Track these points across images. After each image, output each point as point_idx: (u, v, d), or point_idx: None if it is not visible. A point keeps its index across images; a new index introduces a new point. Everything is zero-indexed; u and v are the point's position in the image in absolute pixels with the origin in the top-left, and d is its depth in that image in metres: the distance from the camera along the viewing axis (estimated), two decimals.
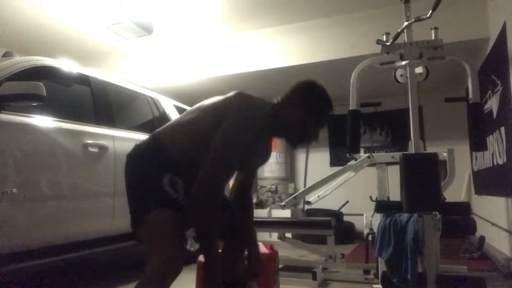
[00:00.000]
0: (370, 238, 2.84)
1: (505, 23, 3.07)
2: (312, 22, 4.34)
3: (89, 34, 4.58)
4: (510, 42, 2.99)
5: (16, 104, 2.11)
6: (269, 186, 5.92)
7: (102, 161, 2.68)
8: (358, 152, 2.94)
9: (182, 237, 1.52)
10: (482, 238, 3.73)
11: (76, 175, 2.50)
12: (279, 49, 4.46)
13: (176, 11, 4.09)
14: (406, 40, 2.69)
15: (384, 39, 2.75)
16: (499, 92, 3.28)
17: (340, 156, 5.89)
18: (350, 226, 5.23)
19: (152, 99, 3.51)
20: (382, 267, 2.37)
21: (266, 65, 4.52)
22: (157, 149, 1.50)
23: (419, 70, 2.84)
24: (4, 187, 2.03)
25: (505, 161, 3.15)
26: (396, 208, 2.36)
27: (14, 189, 2.07)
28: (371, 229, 2.90)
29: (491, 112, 3.54)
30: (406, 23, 2.68)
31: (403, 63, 2.67)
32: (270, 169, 6.01)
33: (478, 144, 2.50)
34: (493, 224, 3.49)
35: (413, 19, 2.64)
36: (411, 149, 2.61)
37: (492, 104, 3.50)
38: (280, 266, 2.81)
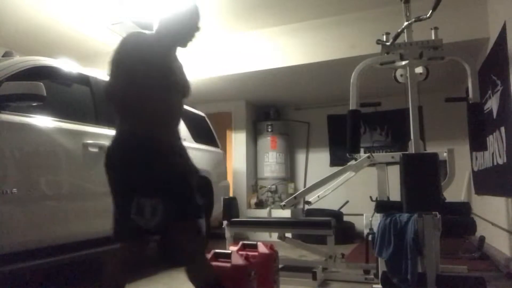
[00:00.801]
0: (370, 238, 2.84)
1: (505, 23, 3.07)
2: (312, 22, 4.33)
3: (89, 34, 4.58)
4: (510, 42, 2.99)
5: (16, 104, 2.12)
6: (269, 186, 5.92)
7: (102, 161, 2.68)
8: (358, 152, 2.94)
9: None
10: (482, 238, 3.74)
11: (76, 175, 2.50)
12: (279, 49, 4.46)
13: None
14: (406, 40, 2.69)
15: (384, 39, 2.75)
16: (499, 92, 3.28)
17: (340, 156, 5.89)
18: (350, 226, 5.22)
19: None
20: (382, 267, 2.38)
21: (266, 65, 4.51)
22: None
23: (419, 70, 2.84)
24: (4, 187, 2.03)
25: (505, 161, 3.15)
26: (396, 208, 2.36)
27: (14, 189, 2.07)
28: (371, 229, 2.90)
29: (491, 112, 3.54)
30: (406, 23, 2.69)
31: (403, 63, 2.67)
32: (270, 169, 6.01)
33: (478, 144, 2.50)
34: (493, 224, 3.49)
35: (413, 19, 2.64)
36: (411, 149, 2.61)
37: (492, 104, 3.50)
38: (280, 266, 2.81)
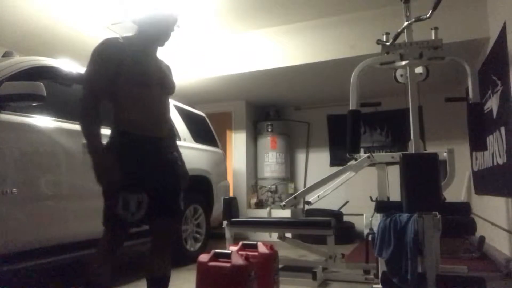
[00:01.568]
0: (370, 238, 2.84)
1: (505, 23, 3.07)
2: (312, 22, 4.34)
3: (89, 34, 4.58)
4: (510, 42, 2.99)
5: (16, 104, 2.11)
6: (269, 186, 5.92)
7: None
8: (358, 152, 2.94)
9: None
10: (482, 238, 3.74)
11: (76, 175, 2.50)
12: (279, 49, 4.46)
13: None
14: (406, 40, 2.69)
15: (384, 39, 2.75)
16: (499, 92, 3.28)
17: (340, 156, 5.89)
18: (350, 226, 5.23)
19: None
20: (382, 267, 2.38)
21: (266, 65, 4.52)
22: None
23: (419, 70, 2.84)
24: (4, 187, 2.03)
25: (505, 161, 3.15)
26: (396, 208, 2.36)
27: (14, 189, 2.07)
28: (371, 229, 2.90)
29: (491, 112, 3.54)
30: (406, 23, 2.69)
31: (403, 63, 2.67)
32: (270, 169, 6.02)
33: (478, 144, 2.50)
34: (493, 224, 3.49)
35: (413, 19, 2.64)
36: (411, 149, 2.61)
37: (492, 104, 3.50)
38: (280, 266, 2.81)
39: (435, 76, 3.23)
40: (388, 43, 2.70)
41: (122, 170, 1.54)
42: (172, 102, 3.86)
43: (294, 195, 3.56)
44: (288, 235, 3.70)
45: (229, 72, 4.71)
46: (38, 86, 2.06)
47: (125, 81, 1.59)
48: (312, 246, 3.43)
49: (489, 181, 3.81)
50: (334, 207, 5.19)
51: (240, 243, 2.49)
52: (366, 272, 3.02)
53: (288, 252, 4.01)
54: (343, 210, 5.24)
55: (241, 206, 4.95)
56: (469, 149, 4.62)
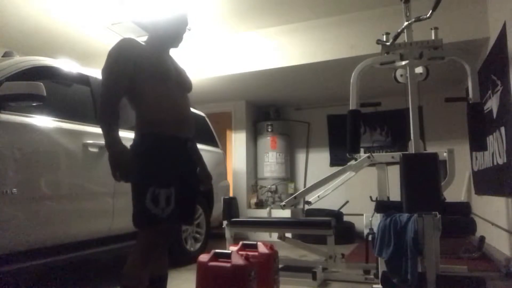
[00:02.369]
0: (370, 238, 2.84)
1: (505, 23, 3.08)
2: (312, 22, 4.34)
3: (89, 34, 4.58)
4: (510, 42, 2.99)
5: (16, 104, 2.11)
6: (269, 186, 5.92)
7: (102, 161, 2.68)
8: (358, 152, 2.94)
9: (158, 253, 1.64)
10: (482, 238, 3.74)
11: (76, 175, 2.50)
12: (279, 49, 4.46)
13: None
14: (406, 40, 2.69)
15: (384, 39, 2.76)
16: (499, 92, 3.28)
17: (340, 156, 5.89)
18: (350, 226, 5.22)
19: None
20: (382, 267, 2.38)
21: (266, 65, 4.52)
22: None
23: (419, 70, 2.85)
24: (4, 187, 2.03)
25: (505, 161, 3.15)
26: (396, 208, 2.36)
27: (14, 189, 2.07)
28: (371, 229, 2.90)
29: (491, 112, 3.54)
30: (406, 23, 2.69)
31: (403, 63, 2.67)
32: (270, 169, 6.02)
33: (478, 144, 2.50)
34: (493, 224, 3.49)
35: (413, 19, 2.65)
36: (411, 149, 2.61)
37: (492, 104, 3.50)
38: (280, 266, 2.81)
39: (435, 76, 3.23)
40: (388, 43, 2.70)
41: (155, 168, 1.54)
42: None
43: (294, 195, 3.56)
44: (288, 235, 3.70)
45: (229, 72, 4.71)
46: (38, 86, 2.06)
47: (144, 79, 1.59)
48: (312, 246, 3.43)
49: (489, 181, 3.81)
50: (334, 207, 5.18)
51: (240, 243, 2.49)
52: (366, 272, 3.02)
53: (288, 252, 4.01)
54: (343, 210, 5.23)
55: (241, 206, 4.95)
56: (469, 149, 4.62)
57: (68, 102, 2.69)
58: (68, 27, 4.40)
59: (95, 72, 2.96)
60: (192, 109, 4.56)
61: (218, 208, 4.09)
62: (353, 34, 4.12)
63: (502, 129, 3.20)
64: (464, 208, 2.47)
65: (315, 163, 6.29)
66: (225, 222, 3.39)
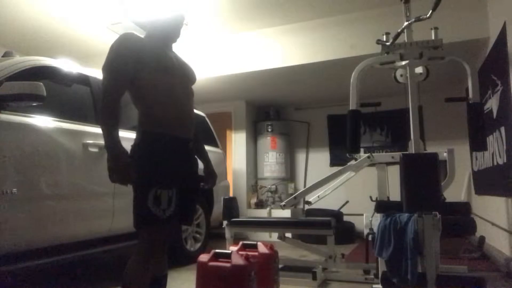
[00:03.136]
0: (370, 238, 2.84)
1: (505, 23, 3.07)
2: (312, 22, 4.34)
3: (89, 34, 4.58)
4: (510, 42, 2.99)
5: (16, 104, 2.11)
6: (269, 186, 5.92)
7: (102, 161, 2.67)
8: (358, 152, 2.94)
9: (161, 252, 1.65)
10: (482, 238, 3.74)
11: (76, 175, 2.50)
12: (279, 49, 4.46)
13: None
14: (406, 40, 2.69)
15: (384, 39, 2.76)
16: (499, 92, 3.28)
17: (340, 156, 5.89)
18: (350, 226, 5.23)
19: None
20: (382, 267, 2.38)
21: (266, 65, 4.52)
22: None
23: (419, 70, 2.84)
24: (4, 187, 2.03)
25: (505, 161, 3.15)
26: (396, 208, 2.36)
27: (14, 189, 2.07)
28: (371, 229, 2.90)
29: (491, 112, 3.54)
30: (406, 23, 2.69)
31: (403, 63, 2.67)
32: (270, 169, 6.02)
33: (478, 144, 2.50)
34: (493, 224, 3.49)
35: (413, 19, 2.64)
36: (411, 149, 2.61)
37: (492, 104, 3.50)
38: (280, 266, 2.81)
39: (435, 76, 3.23)
40: (388, 43, 2.70)
41: (157, 168, 1.53)
42: None
43: (294, 195, 3.56)
44: (288, 235, 3.70)
45: (229, 72, 4.71)
46: (38, 86, 2.06)
47: (147, 73, 1.57)
48: (312, 246, 3.43)
49: (489, 181, 3.81)
50: (334, 207, 5.18)
51: (240, 243, 2.49)
52: (366, 272, 3.02)
53: (288, 252, 4.01)
54: (343, 210, 5.23)
55: (241, 206, 4.95)
56: (469, 149, 4.62)
57: (68, 102, 2.69)
58: (68, 27, 4.40)
59: (95, 72, 2.96)
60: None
61: (218, 208, 4.09)
62: (353, 34, 4.12)
63: (502, 129, 3.20)
64: (464, 208, 2.46)
65: (315, 163, 6.28)
66: (225, 222, 3.39)
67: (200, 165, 1.89)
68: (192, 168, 1.75)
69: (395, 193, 2.80)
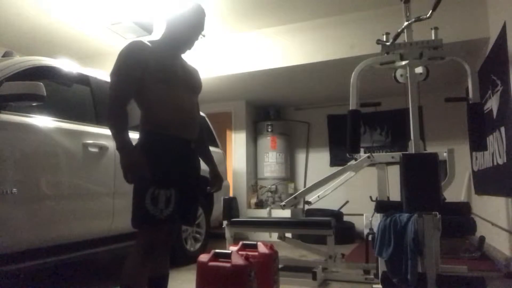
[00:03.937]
0: (370, 238, 2.84)
1: (505, 23, 3.07)
2: (312, 22, 4.34)
3: (89, 34, 4.58)
4: (510, 42, 2.99)
5: (16, 104, 2.11)
6: (269, 186, 5.92)
7: (102, 161, 2.68)
8: (358, 152, 2.94)
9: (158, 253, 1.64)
10: (482, 238, 3.74)
11: (76, 175, 2.50)
12: (279, 49, 4.47)
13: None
14: (406, 40, 2.69)
15: (384, 39, 2.75)
16: (499, 92, 3.28)
17: (340, 156, 5.89)
18: (350, 226, 5.23)
19: None
20: (382, 267, 2.38)
21: (266, 65, 4.52)
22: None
23: (419, 70, 2.84)
24: (4, 187, 2.03)
25: (505, 161, 3.15)
26: (396, 208, 2.36)
27: (14, 189, 2.07)
28: (371, 229, 2.90)
29: (491, 112, 3.54)
30: (406, 23, 2.69)
31: (403, 63, 2.67)
32: (270, 169, 6.01)
33: (478, 144, 2.50)
34: (493, 224, 3.49)
35: (413, 19, 2.64)
36: (411, 149, 2.61)
37: (492, 104, 3.50)
38: (280, 266, 2.81)
39: (435, 76, 3.23)
40: (388, 43, 2.70)
41: (156, 169, 1.53)
42: None
43: (294, 195, 3.56)
44: (288, 235, 3.70)
45: (229, 72, 4.71)
46: (38, 86, 2.06)
47: (151, 82, 1.59)
48: (312, 246, 3.43)
49: (489, 181, 3.81)
50: (334, 207, 5.18)
51: (240, 243, 2.49)
52: (366, 272, 3.02)
53: (288, 252, 4.01)
54: (343, 210, 5.23)
55: (241, 206, 4.95)
56: (469, 149, 4.62)
57: (68, 102, 2.69)
58: (68, 27, 4.40)
59: (95, 72, 2.96)
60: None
61: (218, 208, 4.09)
62: (353, 34, 4.12)
63: (502, 129, 3.20)
64: (464, 208, 2.46)
65: (315, 163, 6.28)
66: (225, 222, 3.39)
67: (206, 167, 1.89)
68: (193, 169, 1.75)
69: (395, 193, 2.80)
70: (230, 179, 5.57)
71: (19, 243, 2.14)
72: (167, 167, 1.56)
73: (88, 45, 4.88)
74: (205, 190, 1.89)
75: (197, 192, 1.76)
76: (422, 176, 2.37)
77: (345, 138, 2.68)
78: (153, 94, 1.60)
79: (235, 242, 2.67)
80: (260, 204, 5.82)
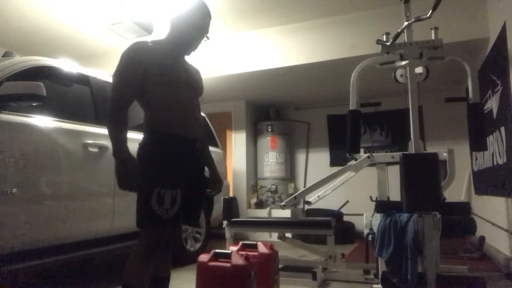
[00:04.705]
0: (370, 238, 2.84)
1: (505, 23, 3.07)
2: (312, 22, 4.34)
3: (89, 34, 4.58)
4: (510, 42, 2.99)
5: (16, 104, 2.11)
6: (269, 186, 5.92)
7: (102, 161, 2.68)
8: (358, 152, 2.94)
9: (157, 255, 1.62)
10: (482, 238, 3.74)
11: (76, 175, 2.50)
12: (279, 49, 4.46)
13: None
14: (406, 40, 2.69)
15: (384, 39, 2.75)
16: (499, 92, 3.28)
17: (340, 156, 5.89)
18: (350, 226, 5.23)
19: None
20: (382, 267, 2.38)
21: (266, 65, 4.52)
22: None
23: (419, 70, 2.84)
24: (4, 187, 2.03)
25: (505, 161, 3.15)
26: (396, 208, 2.36)
27: (14, 189, 2.07)
28: (371, 229, 2.90)
29: (491, 112, 3.54)
30: (406, 23, 2.69)
31: (403, 63, 2.67)
32: (270, 169, 6.01)
33: (478, 144, 2.50)
34: (493, 224, 3.49)
35: (413, 19, 2.64)
36: (411, 149, 2.61)
37: (492, 104, 3.50)
38: (280, 266, 2.81)
39: (435, 76, 3.23)
40: (388, 43, 2.70)
41: (161, 168, 1.53)
42: None
43: (294, 195, 3.56)
44: (288, 235, 3.70)
45: (229, 72, 4.71)
46: (38, 86, 2.06)
47: (154, 84, 1.58)
48: (312, 246, 3.43)
49: (489, 181, 3.81)
50: (334, 207, 5.18)
51: (240, 243, 2.49)
52: (366, 272, 3.02)
53: (288, 252, 4.01)
54: (343, 210, 5.23)
55: (241, 206, 4.94)
56: (469, 149, 4.62)
57: (68, 102, 2.69)
58: (68, 27, 4.40)
59: (95, 72, 2.96)
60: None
61: (218, 208, 4.09)
62: (353, 34, 4.12)
63: (502, 129, 3.20)
64: (464, 208, 2.46)
65: (315, 163, 6.28)
66: (225, 222, 3.39)
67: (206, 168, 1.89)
68: (198, 169, 1.75)
69: (395, 193, 2.80)
70: (230, 179, 5.57)
71: (19, 243, 2.14)
72: (172, 167, 1.56)
73: (88, 45, 4.88)
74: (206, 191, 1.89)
75: (201, 192, 1.75)
76: (422, 176, 2.37)
77: (345, 138, 2.68)
78: (156, 95, 1.59)
79: (235, 242, 2.67)
80: (260, 204, 5.82)
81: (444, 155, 2.95)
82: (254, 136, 6.28)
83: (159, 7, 4.00)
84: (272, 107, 6.29)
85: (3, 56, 2.53)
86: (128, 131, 1.55)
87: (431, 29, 2.65)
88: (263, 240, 3.06)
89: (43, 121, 2.34)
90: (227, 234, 3.35)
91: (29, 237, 2.19)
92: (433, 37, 2.62)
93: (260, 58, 4.53)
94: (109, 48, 4.93)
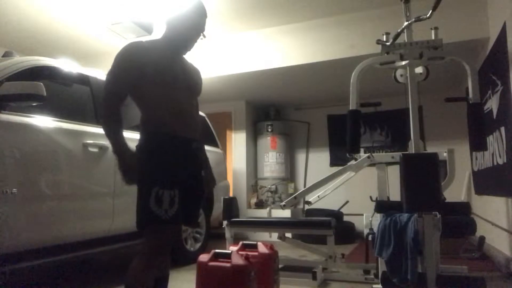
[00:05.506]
0: (370, 238, 2.84)
1: (505, 23, 3.07)
2: (312, 22, 4.34)
3: (89, 34, 4.58)
4: (510, 42, 2.99)
5: (16, 104, 2.11)
6: (269, 186, 5.92)
7: (102, 161, 2.68)
8: (358, 152, 2.94)
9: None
10: (482, 238, 3.74)
11: (76, 175, 2.50)
12: (279, 49, 4.47)
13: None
14: (406, 40, 2.69)
15: (384, 39, 2.75)
16: (499, 92, 3.28)
17: (340, 156, 5.89)
18: (350, 226, 5.23)
19: None
20: (382, 267, 2.38)
21: (266, 65, 4.52)
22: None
23: (419, 70, 2.84)
24: (4, 187, 2.03)
25: (505, 161, 3.15)
26: (396, 208, 2.36)
27: (14, 189, 2.07)
28: (371, 229, 2.90)
29: (491, 112, 3.54)
30: (406, 23, 2.68)
31: (403, 63, 2.66)
32: (270, 169, 6.02)
33: (478, 144, 2.50)
34: (493, 224, 3.49)
35: (413, 19, 2.64)
36: (411, 149, 2.61)
37: (492, 104, 3.50)
38: (280, 266, 2.81)
39: (435, 76, 3.23)
40: (388, 43, 2.70)
41: (159, 169, 1.53)
42: None
43: (294, 195, 3.56)
44: (288, 235, 3.70)
45: (229, 72, 4.71)
46: (38, 86, 2.06)
47: (149, 83, 1.58)
48: (312, 246, 3.43)
49: (489, 181, 3.81)
50: (334, 207, 5.18)
51: (240, 243, 2.49)
52: (366, 272, 3.02)
53: (288, 252, 4.01)
54: (343, 210, 5.23)
55: (241, 206, 4.95)
56: (469, 149, 4.62)
57: (68, 102, 2.69)
58: (68, 27, 4.40)
59: (95, 72, 2.96)
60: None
61: (218, 208, 4.09)
62: (353, 34, 4.12)
63: (502, 129, 3.20)
64: (464, 208, 2.46)
65: (315, 163, 6.28)
66: (225, 222, 3.39)
67: None
68: (196, 169, 1.74)
69: (395, 193, 2.80)
70: (230, 179, 5.57)
71: (19, 243, 2.14)
72: (170, 167, 1.55)
73: (88, 45, 4.88)
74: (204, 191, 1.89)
75: (200, 193, 1.75)
76: (422, 176, 2.36)
77: (345, 138, 2.68)
78: (152, 95, 1.59)
79: (235, 242, 2.67)
80: (260, 204, 5.82)
81: (444, 155, 2.95)
82: (254, 136, 6.28)
83: (159, 7, 4.00)
84: (272, 107, 6.29)
85: (3, 56, 2.53)
86: (127, 131, 1.55)
87: (431, 29, 2.64)
88: (263, 240, 3.06)
89: (43, 121, 2.34)
90: (227, 234, 3.35)
91: (29, 237, 2.19)
92: (433, 37, 2.62)
93: (260, 58, 4.53)
94: (109, 48, 4.93)
